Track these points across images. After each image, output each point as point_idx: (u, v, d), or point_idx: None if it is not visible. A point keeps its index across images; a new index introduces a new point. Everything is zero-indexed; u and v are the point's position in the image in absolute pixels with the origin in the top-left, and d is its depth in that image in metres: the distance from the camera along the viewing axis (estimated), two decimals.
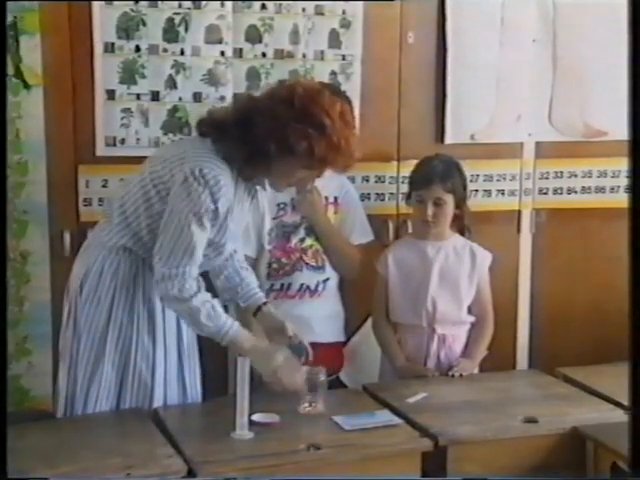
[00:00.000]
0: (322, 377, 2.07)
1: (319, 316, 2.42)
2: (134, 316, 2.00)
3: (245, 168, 1.94)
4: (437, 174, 2.36)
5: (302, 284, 2.40)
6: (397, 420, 2.00)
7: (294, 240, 2.40)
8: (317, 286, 2.42)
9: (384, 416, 2.02)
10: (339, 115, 1.89)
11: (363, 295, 2.56)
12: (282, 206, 2.41)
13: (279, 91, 1.98)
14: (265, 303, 2.16)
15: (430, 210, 2.37)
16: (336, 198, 2.47)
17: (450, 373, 2.35)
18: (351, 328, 2.66)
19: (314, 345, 2.41)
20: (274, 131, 1.86)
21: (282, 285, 2.40)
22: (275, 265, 2.40)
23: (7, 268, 1.78)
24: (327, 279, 2.43)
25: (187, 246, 1.89)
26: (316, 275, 2.42)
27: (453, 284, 2.42)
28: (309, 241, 2.42)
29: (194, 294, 1.92)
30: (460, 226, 2.48)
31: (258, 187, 2.06)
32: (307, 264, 2.41)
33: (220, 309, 1.97)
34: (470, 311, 2.45)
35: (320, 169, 1.96)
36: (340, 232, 2.45)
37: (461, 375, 2.34)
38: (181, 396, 2.09)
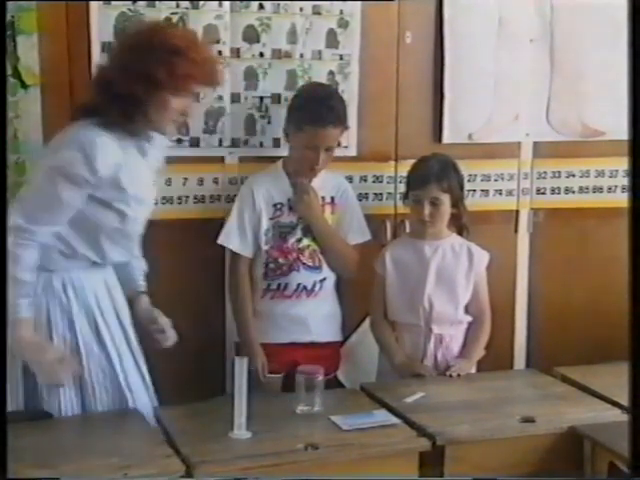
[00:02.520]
0: (319, 377, 2.07)
1: (316, 316, 2.43)
2: (75, 329, 1.99)
3: (124, 123, 1.95)
4: (433, 174, 2.36)
5: (299, 284, 2.40)
6: (395, 420, 2.00)
7: (291, 240, 2.40)
8: (314, 286, 2.42)
9: (382, 416, 2.02)
10: (193, 37, 2.01)
11: (361, 294, 2.56)
12: (279, 206, 2.41)
13: (124, 41, 2.08)
14: (142, 292, 2.15)
15: (427, 210, 2.37)
16: (333, 198, 2.46)
17: (447, 373, 2.35)
18: (349, 327, 2.65)
19: (311, 345, 2.42)
20: (132, 73, 1.91)
21: (279, 285, 2.40)
22: (272, 265, 2.40)
23: None
24: (324, 279, 2.43)
25: (47, 203, 1.90)
26: (313, 275, 2.41)
27: (450, 283, 2.42)
28: (306, 241, 2.41)
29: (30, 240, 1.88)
30: (458, 225, 2.49)
31: (147, 143, 2.04)
32: (304, 264, 2.40)
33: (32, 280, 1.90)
34: (467, 311, 2.45)
35: (187, 88, 1.97)
36: (337, 232, 2.45)
37: (458, 375, 2.35)
38: (146, 397, 2.08)
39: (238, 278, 2.40)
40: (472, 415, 2.06)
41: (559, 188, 2.89)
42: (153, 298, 2.46)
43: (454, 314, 2.42)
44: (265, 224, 2.39)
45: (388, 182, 2.71)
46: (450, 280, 2.42)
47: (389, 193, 2.71)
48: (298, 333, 2.41)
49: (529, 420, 2.03)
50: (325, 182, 2.43)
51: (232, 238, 2.38)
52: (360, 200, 2.66)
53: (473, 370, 2.45)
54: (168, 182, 2.48)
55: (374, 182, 2.70)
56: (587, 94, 2.84)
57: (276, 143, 2.54)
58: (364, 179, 2.68)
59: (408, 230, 2.64)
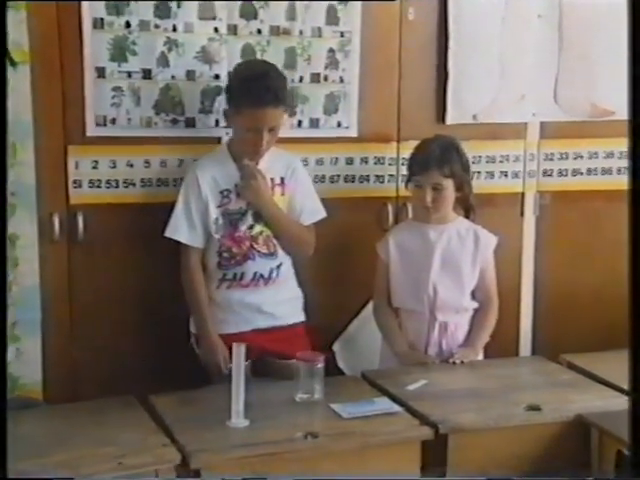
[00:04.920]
0: (319, 364, 2.07)
1: (275, 301, 2.39)
2: None
3: None
4: (434, 159, 2.35)
5: (255, 272, 2.36)
6: (397, 408, 2.01)
7: (242, 228, 2.35)
8: (271, 273, 2.37)
9: (383, 404, 2.02)
10: None
11: (363, 279, 2.55)
12: (225, 193, 2.36)
13: None
14: None
15: (429, 196, 2.36)
16: (282, 179, 2.40)
17: (451, 360, 2.35)
18: (350, 313, 2.65)
19: (275, 329, 2.38)
20: None
21: (235, 275, 2.36)
22: (226, 254, 2.35)
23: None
24: (280, 265, 2.39)
25: None
26: (269, 262, 2.37)
27: (455, 269, 2.41)
28: (258, 228, 2.37)
29: None
30: (466, 207, 2.47)
31: None
32: (259, 252, 2.36)
33: None
34: (473, 297, 2.44)
35: None
36: (288, 215, 2.40)
37: (462, 362, 2.34)
38: None
39: (190, 270, 2.35)
40: (476, 403, 2.06)
41: (566, 170, 2.86)
42: (150, 282, 2.47)
43: (459, 301, 2.41)
44: (213, 213, 2.34)
45: (390, 164, 2.68)
46: (456, 265, 2.41)
47: (391, 175, 2.69)
48: (259, 320, 2.38)
49: (535, 408, 2.03)
50: (273, 162, 2.38)
51: (180, 230, 2.33)
52: (361, 182, 2.65)
53: (479, 357, 2.44)
54: (163, 164, 2.47)
55: (375, 164, 2.67)
56: (596, 72, 2.81)
57: None
58: (365, 161, 2.66)
59: (411, 214, 2.62)
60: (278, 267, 2.39)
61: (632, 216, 1.50)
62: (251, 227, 2.36)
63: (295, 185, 2.42)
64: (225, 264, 2.36)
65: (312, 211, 2.44)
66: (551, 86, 2.79)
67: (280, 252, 2.39)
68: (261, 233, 2.36)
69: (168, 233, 2.34)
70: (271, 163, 2.37)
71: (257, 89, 2.23)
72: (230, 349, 1.98)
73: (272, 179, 2.38)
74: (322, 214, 2.45)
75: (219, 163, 2.37)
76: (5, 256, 1.73)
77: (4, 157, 1.73)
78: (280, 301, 2.40)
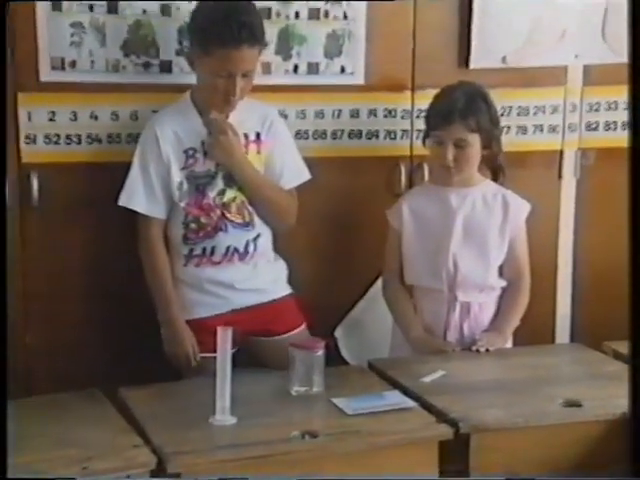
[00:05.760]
0: (320, 352, 2.08)
1: (254, 277, 2.40)
2: None
3: None
4: (458, 110, 2.35)
5: (228, 247, 2.36)
6: (410, 403, 2.02)
7: (211, 194, 2.35)
8: (247, 247, 2.38)
9: (394, 398, 2.04)
10: None
11: (370, 252, 2.57)
12: (191, 153, 2.35)
13: None
14: None
15: (451, 153, 2.37)
16: (258, 134, 2.40)
17: (474, 348, 2.36)
18: (356, 292, 2.67)
19: (258, 306, 2.41)
20: None
21: (204, 250, 2.36)
22: (193, 225, 2.35)
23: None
24: (258, 236, 2.39)
25: None
26: (244, 234, 2.37)
27: (480, 240, 2.43)
28: (230, 193, 2.36)
29: None
30: (493, 168, 2.48)
31: None
32: (232, 222, 2.35)
33: None
34: (501, 274, 2.46)
35: None
36: (266, 177, 2.40)
37: (487, 350, 2.36)
38: None
39: (150, 245, 2.34)
40: (504, 398, 2.08)
41: (615, 123, 2.87)
42: (117, 255, 2.46)
43: (484, 277, 2.43)
44: (176, 176, 2.33)
45: (403, 117, 2.69)
46: (480, 236, 2.42)
47: (404, 130, 2.70)
48: (237, 298, 2.39)
49: (574, 404, 2.05)
50: (247, 115, 2.37)
51: (137, 198, 2.32)
52: (369, 139, 2.66)
53: (508, 345, 2.46)
54: (134, 116, 2.47)
55: (386, 117, 2.68)
56: None
57: (265, 68, 2.50)
58: (373, 113, 2.67)
59: (427, 175, 2.63)
60: (255, 239, 2.39)
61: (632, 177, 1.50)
62: (222, 192, 2.35)
63: (273, 141, 2.41)
64: (192, 237, 2.36)
65: (294, 172, 2.44)
66: (598, 20, 2.77)
67: (257, 222, 2.39)
68: (234, 199, 2.36)
69: (122, 201, 2.34)
70: (244, 116, 2.36)
71: (230, 25, 2.21)
72: (214, 335, 1.97)
73: (246, 135, 2.37)
74: (306, 176, 2.46)
75: (182, 116, 2.36)
76: (5, 254, 1.77)
77: (4, 156, 1.78)
78: (261, 276, 2.41)
